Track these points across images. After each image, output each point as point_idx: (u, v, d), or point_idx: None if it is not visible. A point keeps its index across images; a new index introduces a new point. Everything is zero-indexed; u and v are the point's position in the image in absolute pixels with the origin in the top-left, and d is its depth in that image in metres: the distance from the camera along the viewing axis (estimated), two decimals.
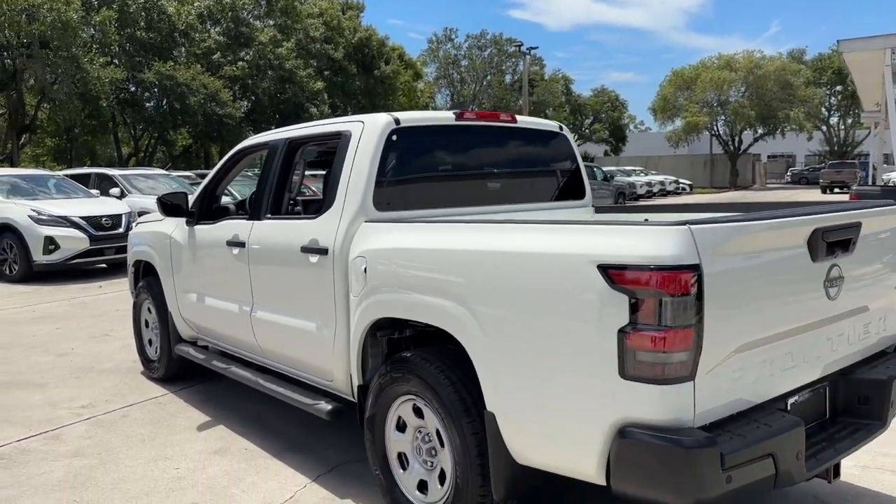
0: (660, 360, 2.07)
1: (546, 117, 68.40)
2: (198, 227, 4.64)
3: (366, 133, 3.43)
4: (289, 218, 3.98)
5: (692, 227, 2.09)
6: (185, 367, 5.21)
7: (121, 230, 11.42)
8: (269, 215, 3.96)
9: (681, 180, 41.89)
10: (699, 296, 2.07)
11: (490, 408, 2.55)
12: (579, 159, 4.33)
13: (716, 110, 48.88)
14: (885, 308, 2.95)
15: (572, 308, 2.24)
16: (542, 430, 2.41)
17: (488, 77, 61.74)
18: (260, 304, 3.96)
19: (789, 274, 2.41)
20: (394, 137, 3.43)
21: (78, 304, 8.93)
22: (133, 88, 28.83)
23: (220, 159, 5.23)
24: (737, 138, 50.88)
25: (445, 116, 3.73)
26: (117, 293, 9.44)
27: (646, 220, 2.60)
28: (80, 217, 11.25)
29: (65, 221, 11.12)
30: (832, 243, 2.51)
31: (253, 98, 32.98)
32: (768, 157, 63.83)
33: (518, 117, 4.02)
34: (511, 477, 2.54)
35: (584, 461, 2.27)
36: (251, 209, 4.20)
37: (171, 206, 4.62)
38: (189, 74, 27.89)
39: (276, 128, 4.94)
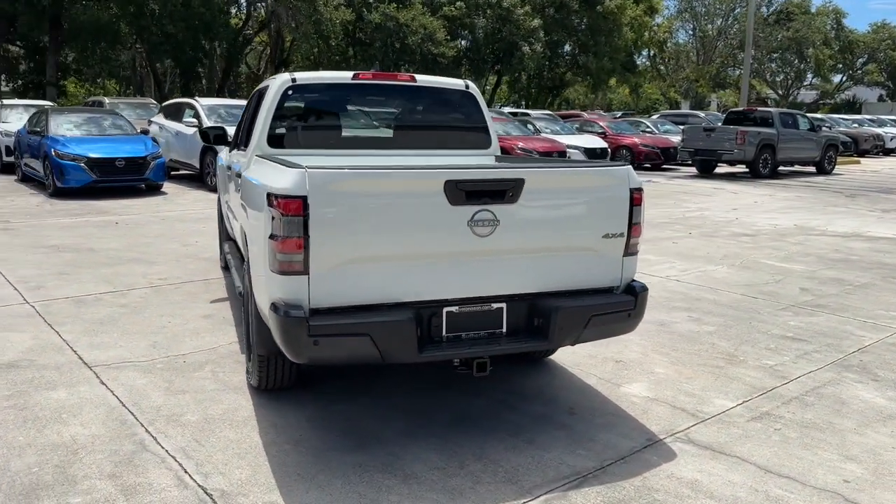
0: (285, 259, 3.09)
1: (802, 57, 60.49)
2: (232, 153, 6.18)
3: (270, 88, 4.63)
4: (241, 150, 5.33)
5: (308, 171, 3.05)
6: None
7: None
8: (240, 147, 5.34)
9: None
10: (306, 217, 3.04)
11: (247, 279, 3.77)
12: (485, 114, 5.08)
13: None
14: (567, 252, 3.52)
15: (262, 221, 3.31)
16: (259, 300, 3.54)
17: (736, 10, 56.83)
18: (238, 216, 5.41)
19: (422, 211, 3.20)
20: (289, 92, 4.59)
21: None
22: (361, 29, 31.88)
23: None
24: None
25: (343, 76, 4.77)
26: None
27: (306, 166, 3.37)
28: None
29: None
30: (474, 193, 3.23)
31: (470, 37, 34.56)
32: None
33: (419, 77, 4.91)
34: (262, 326, 3.63)
35: (270, 324, 3.36)
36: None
37: (214, 136, 6.14)
38: (410, 15, 30.18)
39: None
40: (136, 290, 6.39)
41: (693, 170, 20.77)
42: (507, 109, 29.52)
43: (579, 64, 40.59)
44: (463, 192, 3.23)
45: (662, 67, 63.21)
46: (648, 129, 24.45)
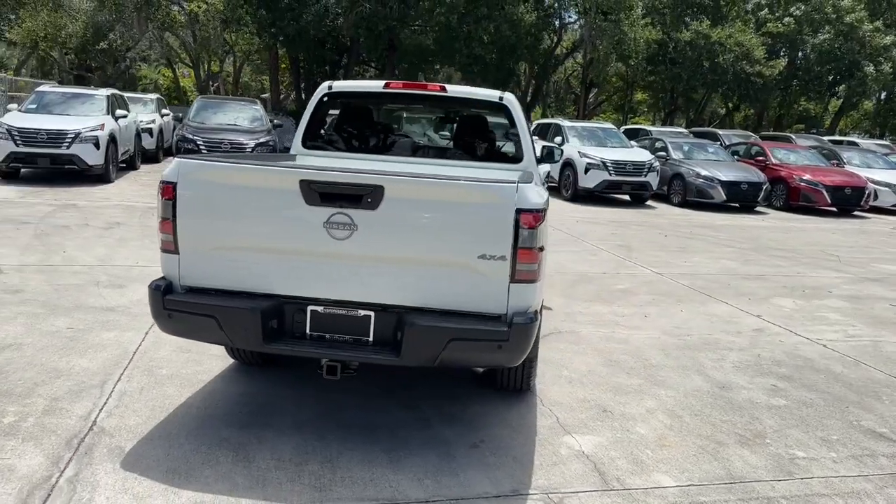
0: (163, 238, 3.48)
1: None
2: None
3: (314, 94, 5.06)
4: None
5: (183, 160, 3.39)
6: None
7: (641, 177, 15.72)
8: None
9: None
10: (175, 201, 3.38)
11: None
12: (520, 127, 4.84)
13: None
14: (437, 267, 3.28)
15: None
16: None
17: None
18: None
19: (279, 208, 3.30)
20: (324, 99, 4.97)
21: None
22: (666, 47, 30.69)
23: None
24: None
25: (376, 85, 4.97)
26: None
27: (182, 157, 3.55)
28: (608, 159, 15.40)
29: (599, 161, 15.36)
30: (330, 195, 3.24)
31: (800, 55, 31.00)
32: None
33: (450, 87, 4.88)
34: None
35: None
36: None
37: None
38: (725, 33, 28.22)
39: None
40: None
41: None
42: (828, 138, 25.82)
43: None
44: (317, 192, 3.27)
45: None
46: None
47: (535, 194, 3.32)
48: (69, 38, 26.72)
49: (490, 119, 5.05)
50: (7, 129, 12.98)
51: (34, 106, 14.56)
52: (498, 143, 4.97)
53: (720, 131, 24.06)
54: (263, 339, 3.36)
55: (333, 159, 4.75)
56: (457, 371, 4.54)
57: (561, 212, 13.87)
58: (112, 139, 14.15)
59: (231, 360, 4.60)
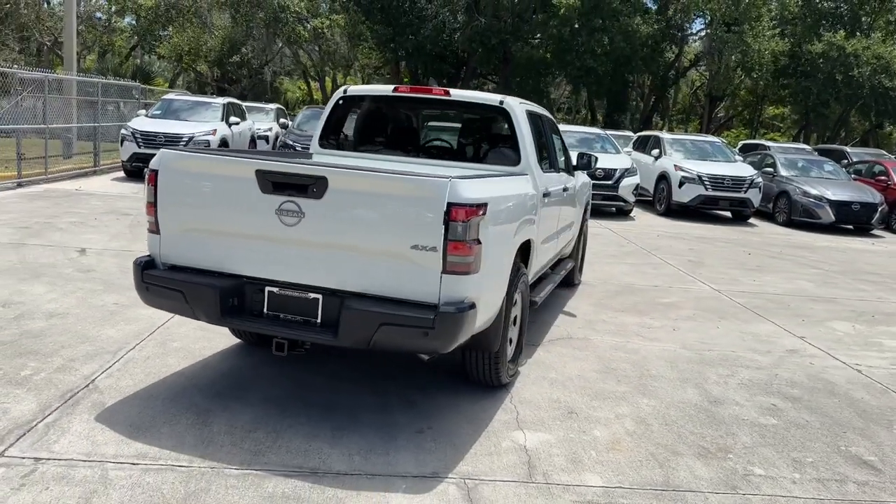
0: (149, 221, 3.89)
1: None
2: None
3: (331, 98, 5.40)
4: None
5: (165, 150, 3.80)
6: None
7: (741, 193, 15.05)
8: None
9: None
10: (156, 187, 3.79)
11: None
12: (518, 131, 4.91)
13: None
14: (375, 256, 3.47)
15: None
16: None
17: None
18: None
19: (239, 195, 3.61)
20: (340, 102, 5.30)
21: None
22: (798, 59, 28.92)
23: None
24: None
25: (386, 89, 5.23)
26: None
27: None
28: (704, 173, 15.01)
29: (694, 175, 15.04)
30: (280, 184, 3.52)
31: None
32: None
33: (453, 91, 5.05)
34: None
35: None
36: None
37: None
38: (861, 44, 26.25)
39: None
40: None
41: None
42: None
43: None
44: (270, 182, 3.57)
45: None
46: None
47: (472, 189, 3.44)
48: (209, 53, 29.06)
49: (500, 122, 5.16)
50: (132, 132, 14.46)
51: (159, 112, 16.08)
52: (500, 145, 5.07)
53: (850, 149, 22.39)
54: (221, 315, 3.69)
55: (339, 158, 5.04)
56: (437, 363, 4.68)
57: (646, 225, 13.54)
58: (223, 143, 15.36)
59: (237, 340, 5.00)
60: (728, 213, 15.79)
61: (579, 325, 6.15)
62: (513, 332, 4.65)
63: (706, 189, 14.91)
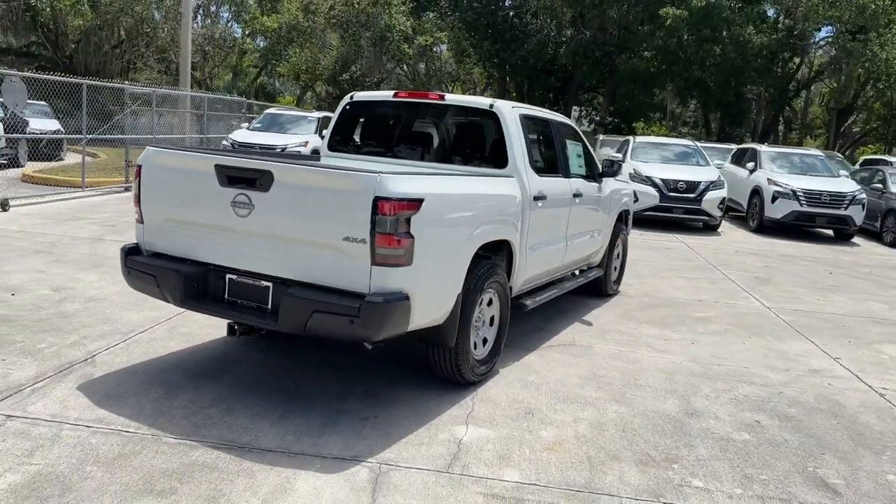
0: (136, 211, 4.30)
1: None
2: None
3: (340, 104, 5.68)
4: None
5: (150, 147, 4.19)
6: None
7: (840, 209, 13.80)
8: None
9: None
10: (140, 181, 4.18)
11: None
12: (508, 134, 4.95)
13: None
14: (314, 247, 3.66)
15: None
16: None
17: None
18: None
19: (203, 188, 3.91)
20: (347, 107, 5.57)
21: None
22: None
23: None
24: None
25: (388, 94, 5.43)
26: None
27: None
28: (799, 188, 14.00)
29: (788, 190, 14.49)
30: (233, 178, 3.80)
31: None
32: None
33: (448, 96, 5.18)
34: None
35: None
36: None
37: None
38: None
39: None
40: None
41: None
42: None
43: None
44: (226, 175, 3.86)
45: None
46: None
47: (402, 185, 3.57)
48: (323, 71, 30.61)
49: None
50: (231, 143, 15.54)
51: (260, 125, 17.20)
52: (489, 148, 5.13)
53: None
54: (185, 298, 4.02)
55: (342, 160, 5.27)
56: (417, 361, 4.78)
57: (728, 241, 12.94)
58: (315, 153, 16.19)
59: None
60: (829, 232, 14.74)
61: (590, 334, 6.05)
62: (487, 333, 4.70)
63: (801, 205, 14.00)
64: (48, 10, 33.60)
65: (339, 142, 5.63)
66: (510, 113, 5.03)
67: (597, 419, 4.23)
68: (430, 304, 3.90)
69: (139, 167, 4.24)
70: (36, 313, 5.40)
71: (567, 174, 5.83)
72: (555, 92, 33.70)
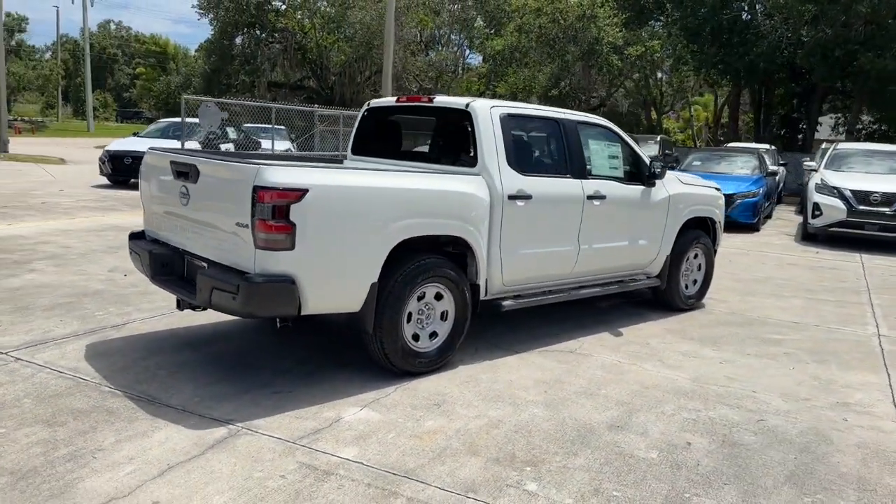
0: (142, 204, 5.16)
1: None
2: None
3: (360, 110, 6.12)
4: None
5: (148, 150, 5.01)
6: None
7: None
8: None
9: None
10: (140, 177, 5.01)
11: None
12: (479, 135, 4.96)
13: None
14: (222, 231, 4.11)
15: None
16: None
17: None
18: None
19: (167, 181, 4.59)
20: (366, 113, 6.01)
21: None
22: None
23: None
24: None
25: (391, 100, 5.74)
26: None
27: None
28: (847, 187, 12.23)
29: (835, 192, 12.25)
30: (179, 171, 4.43)
31: None
32: None
33: (437, 98, 5.34)
34: None
35: None
36: None
37: None
38: None
39: None
40: None
41: None
42: None
43: None
44: (175, 170, 4.51)
45: None
46: None
47: (281, 176, 3.91)
48: (538, 89, 31.23)
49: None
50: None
51: None
52: (462, 146, 5.18)
53: None
54: (153, 275, 4.75)
55: (357, 163, 5.70)
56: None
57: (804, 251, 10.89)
58: None
59: None
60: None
61: (605, 343, 5.73)
62: (438, 327, 4.79)
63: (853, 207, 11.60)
64: (315, 48, 38.72)
65: (359, 146, 6.06)
66: (484, 112, 5.05)
67: (502, 419, 4.12)
68: (330, 291, 4.16)
69: (132, 160, 5.10)
70: (124, 290, 6.59)
71: (580, 175, 5.61)
72: (799, 98, 30.50)
